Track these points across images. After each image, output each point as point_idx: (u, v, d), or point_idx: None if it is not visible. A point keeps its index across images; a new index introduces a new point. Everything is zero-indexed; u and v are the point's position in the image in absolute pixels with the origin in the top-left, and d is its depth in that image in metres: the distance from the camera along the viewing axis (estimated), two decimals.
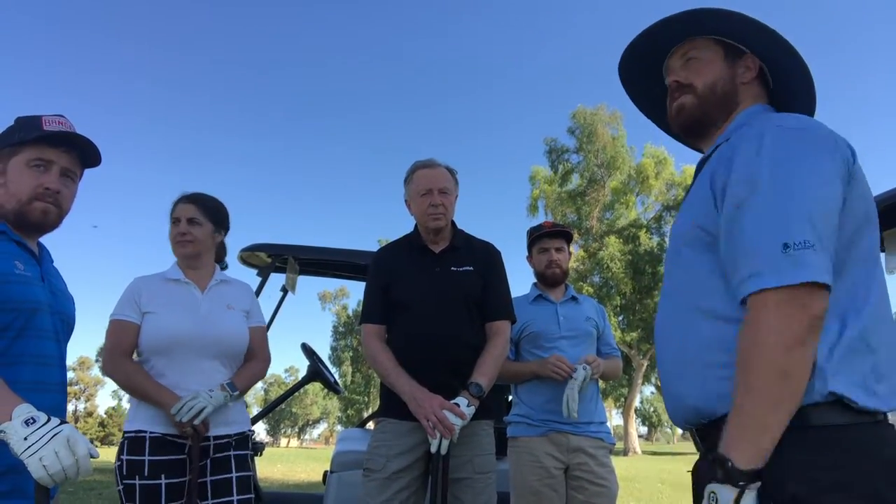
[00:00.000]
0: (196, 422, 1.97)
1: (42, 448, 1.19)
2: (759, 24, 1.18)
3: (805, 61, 1.20)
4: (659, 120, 1.44)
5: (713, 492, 0.91)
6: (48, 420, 1.24)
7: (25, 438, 1.19)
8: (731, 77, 1.22)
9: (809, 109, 1.25)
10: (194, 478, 2.02)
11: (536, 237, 2.84)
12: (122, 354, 2.12)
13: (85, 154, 1.62)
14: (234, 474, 2.12)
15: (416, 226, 2.37)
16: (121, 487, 2.02)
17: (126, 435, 2.08)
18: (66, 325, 1.61)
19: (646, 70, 1.36)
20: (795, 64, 1.21)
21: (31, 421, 1.22)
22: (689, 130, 1.28)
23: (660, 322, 1.18)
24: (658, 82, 1.35)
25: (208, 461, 2.11)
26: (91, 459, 1.25)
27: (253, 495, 2.18)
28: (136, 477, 1.98)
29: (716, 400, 1.02)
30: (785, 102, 1.26)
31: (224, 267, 2.50)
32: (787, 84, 1.26)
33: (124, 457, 2.03)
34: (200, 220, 2.25)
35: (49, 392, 1.48)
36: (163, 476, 1.99)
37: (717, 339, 1.03)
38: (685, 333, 1.09)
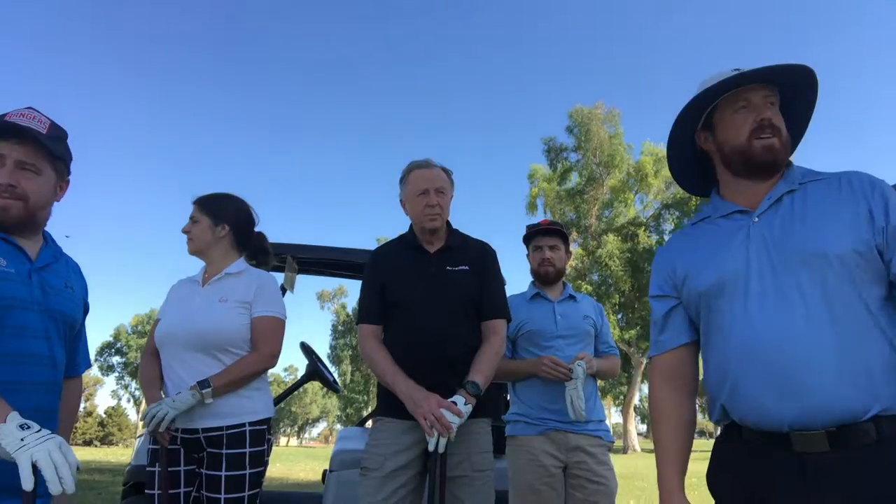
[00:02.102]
0: (161, 429, 2.08)
1: (35, 446, 1.24)
2: (815, 92, 1.43)
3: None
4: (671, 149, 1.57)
5: None
6: (40, 429, 1.30)
7: (22, 439, 1.24)
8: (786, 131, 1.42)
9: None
10: (164, 475, 2.13)
11: (531, 235, 2.85)
12: (146, 352, 2.38)
13: (50, 145, 1.57)
14: (223, 473, 2.13)
15: (411, 226, 2.38)
16: None
17: None
18: (62, 325, 1.59)
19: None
20: (802, 128, 1.50)
21: (26, 426, 1.28)
22: (769, 168, 1.40)
23: (799, 331, 1.24)
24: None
25: (204, 454, 2.19)
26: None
27: (247, 493, 2.15)
28: (146, 465, 2.22)
29: (872, 400, 1.17)
30: None
31: (261, 263, 2.54)
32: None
33: None
34: (198, 218, 2.40)
35: (31, 392, 1.47)
36: (156, 465, 2.17)
37: (887, 347, 1.20)
38: (852, 341, 1.20)
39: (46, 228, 1.70)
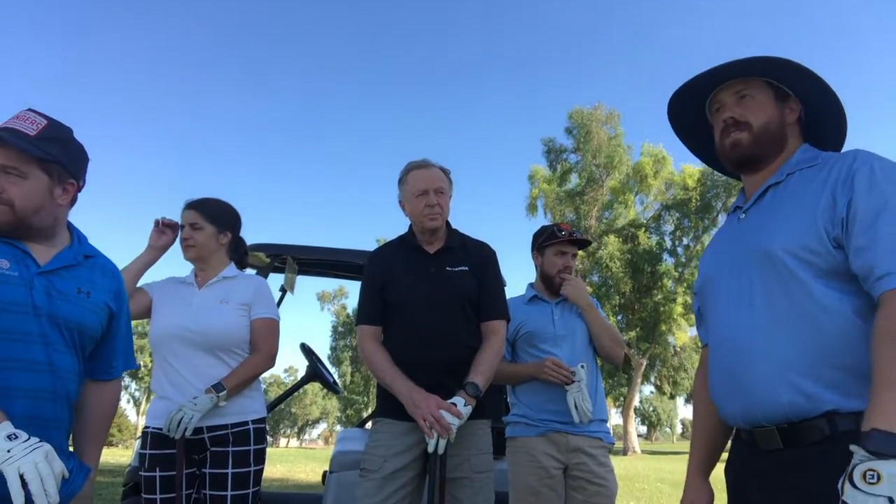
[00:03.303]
0: (187, 434, 2.10)
1: (22, 458, 1.22)
2: (806, 70, 1.35)
3: (840, 102, 1.39)
4: (697, 147, 1.59)
5: (872, 470, 0.93)
6: (28, 438, 1.28)
7: (9, 451, 1.23)
8: (780, 118, 1.38)
9: (839, 142, 1.45)
10: (179, 476, 2.14)
11: (559, 241, 2.77)
12: None
13: (31, 148, 1.51)
14: (230, 470, 2.18)
15: (410, 226, 2.37)
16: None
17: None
18: (68, 331, 1.55)
19: (688, 102, 1.49)
20: (832, 105, 1.39)
21: (14, 437, 1.26)
22: (741, 165, 1.41)
23: (745, 328, 1.25)
24: (697, 114, 1.51)
25: (207, 453, 2.21)
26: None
27: (251, 490, 2.20)
28: (141, 469, 2.21)
29: (823, 396, 1.13)
30: (819, 139, 1.42)
31: (242, 266, 2.58)
32: (821, 123, 1.42)
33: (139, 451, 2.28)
34: (201, 225, 2.39)
35: (24, 399, 1.43)
36: (157, 469, 2.17)
37: (833, 344, 1.14)
38: (790, 339, 1.18)
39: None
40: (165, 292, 2.41)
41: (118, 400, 1.80)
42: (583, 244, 2.87)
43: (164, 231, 2.45)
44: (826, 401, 1.13)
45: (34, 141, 1.51)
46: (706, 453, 1.49)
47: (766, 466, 1.21)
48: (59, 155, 1.56)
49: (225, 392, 2.17)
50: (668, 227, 28.85)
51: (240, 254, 2.57)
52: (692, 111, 1.52)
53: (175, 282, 2.45)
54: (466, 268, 2.26)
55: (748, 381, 1.22)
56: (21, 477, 1.21)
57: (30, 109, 1.57)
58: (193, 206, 2.42)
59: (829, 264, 1.18)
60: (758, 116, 1.36)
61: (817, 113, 1.42)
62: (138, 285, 2.43)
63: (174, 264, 2.62)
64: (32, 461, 1.22)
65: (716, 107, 1.43)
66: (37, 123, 1.54)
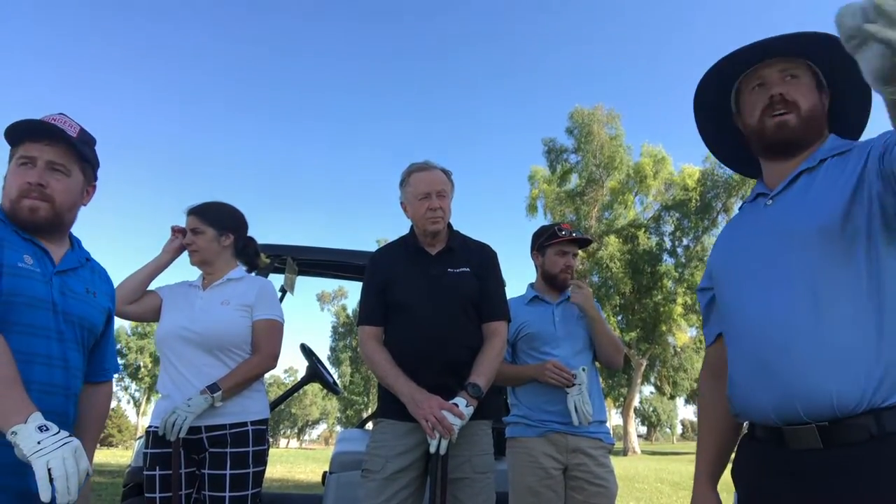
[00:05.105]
0: (181, 435, 2.12)
1: (51, 452, 1.21)
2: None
3: (870, 97, 1.32)
4: (708, 133, 1.50)
5: None
6: (59, 431, 1.27)
7: (39, 442, 1.22)
8: (822, 106, 1.31)
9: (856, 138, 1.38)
10: (175, 476, 2.15)
11: (561, 240, 2.78)
12: None
13: (79, 147, 1.59)
14: (227, 471, 2.17)
15: (411, 227, 2.38)
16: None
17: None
18: (80, 329, 1.59)
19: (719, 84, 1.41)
20: (862, 99, 1.32)
21: (45, 428, 1.25)
22: (784, 147, 1.31)
23: (783, 315, 1.16)
24: (718, 99, 1.43)
25: (206, 454, 2.21)
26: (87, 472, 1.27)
27: (250, 492, 2.20)
28: (144, 468, 2.23)
29: (868, 390, 1.03)
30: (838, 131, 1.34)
31: (252, 268, 2.59)
32: (846, 114, 1.35)
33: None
34: (202, 229, 2.42)
35: (41, 393, 1.45)
36: (157, 468, 2.18)
37: (891, 327, 1.05)
38: (838, 323, 1.08)
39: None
40: (173, 295, 2.45)
41: (110, 403, 1.84)
42: (584, 243, 2.88)
43: (177, 236, 2.50)
44: (879, 395, 1.02)
45: (76, 142, 1.59)
46: (715, 458, 1.40)
47: (797, 467, 1.11)
48: (92, 158, 1.66)
49: (220, 393, 2.17)
50: (668, 228, 28.84)
51: (249, 255, 2.58)
52: (713, 95, 1.43)
53: (185, 285, 2.49)
54: (467, 269, 2.27)
55: (787, 371, 1.12)
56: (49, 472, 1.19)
57: (62, 114, 1.62)
58: (194, 211, 2.46)
59: (880, 234, 1.10)
60: (806, 99, 1.28)
61: (842, 106, 1.35)
62: (150, 288, 2.47)
63: (184, 269, 2.66)
64: (61, 456, 1.21)
65: (756, 82, 1.33)
66: (74, 127, 1.61)
